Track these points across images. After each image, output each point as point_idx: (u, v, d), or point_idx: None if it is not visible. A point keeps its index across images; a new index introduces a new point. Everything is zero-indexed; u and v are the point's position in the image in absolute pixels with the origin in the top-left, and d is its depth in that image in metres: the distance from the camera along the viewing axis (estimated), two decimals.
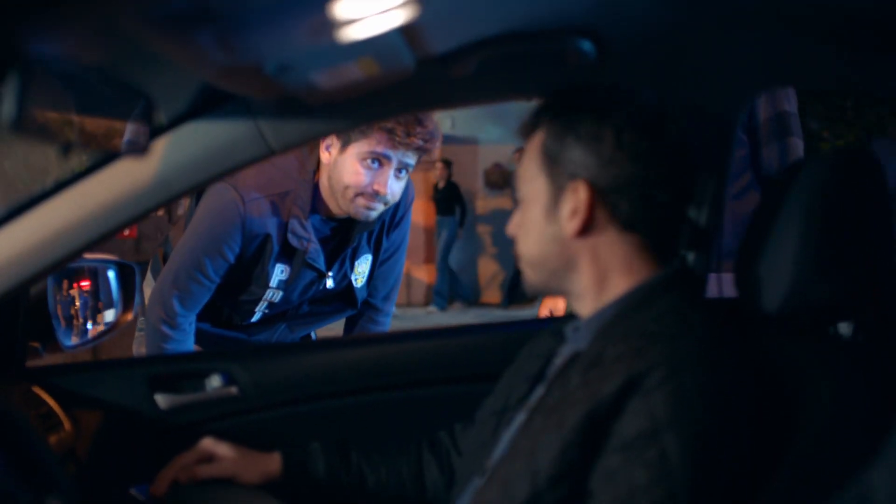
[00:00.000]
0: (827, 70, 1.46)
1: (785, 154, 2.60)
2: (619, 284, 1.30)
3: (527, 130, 1.38)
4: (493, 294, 11.45)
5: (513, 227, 1.40)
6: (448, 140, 11.55)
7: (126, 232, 6.63)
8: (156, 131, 1.37)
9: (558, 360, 1.36)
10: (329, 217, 2.32)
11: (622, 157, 1.25)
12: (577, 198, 1.28)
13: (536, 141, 1.34)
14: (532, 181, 1.34)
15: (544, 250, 1.33)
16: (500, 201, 11.38)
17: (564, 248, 1.31)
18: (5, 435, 0.85)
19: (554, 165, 1.30)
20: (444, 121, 11.36)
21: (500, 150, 11.14)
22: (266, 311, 2.42)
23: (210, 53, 1.04)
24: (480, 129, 11.56)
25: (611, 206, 1.27)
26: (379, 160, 2.15)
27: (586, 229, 1.28)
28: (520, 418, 1.34)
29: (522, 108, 1.41)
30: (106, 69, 1.11)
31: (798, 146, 2.62)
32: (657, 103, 1.30)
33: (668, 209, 1.29)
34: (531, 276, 1.37)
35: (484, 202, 11.62)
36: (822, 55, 1.40)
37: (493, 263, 11.60)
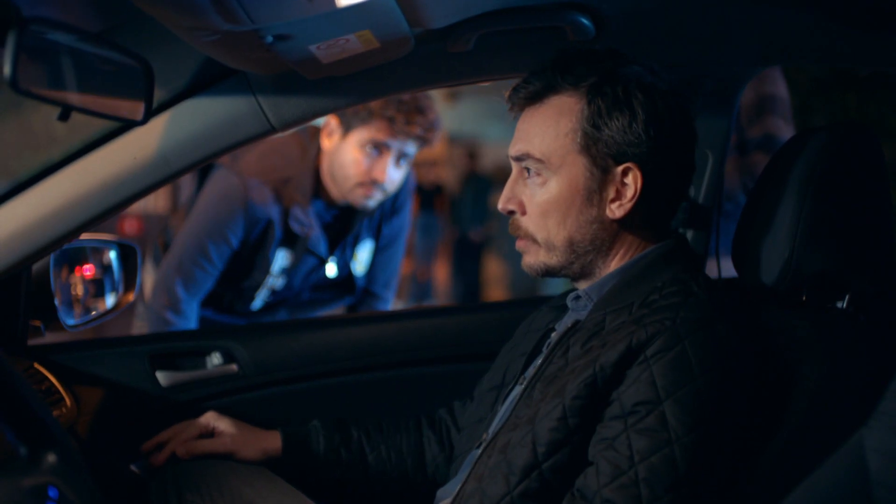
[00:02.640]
0: (824, 46, 1.46)
1: (772, 139, 2.58)
2: (626, 257, 1.30)
3: (538, 94, 1.28)
4: (495, 294, 11.43)
5: (510, 202, 1.31)
6: (454, 139, 11.57)
7: (130, 229, 6.66)
8: (156, 108, 1.38)
9: (558, 331, 1.37)
10: (330, 203, 2.33)
11: (675, 141, 1.24)
12: (626, 182, 1.24)
13: (567, 112, 1.25)
14: (564, 159, 1.25)
15: (579, 233, 1.27)
16: None
17: (602, 231, 1.27)
18: (2, 391, 0.86)
19: (595, 144, 1.23)
20: (449, 120, 11.36)
21: (504, 149, 11.13)
22: (268, 297, 2.42)
23: (211, 23, 1.05)
24: (484, 128, 11.56)
25: (655, 187, 1.25)
26: (378, 148, 2.17)
27: (634, 212, 1.26)
28: (518, 390, 1.35)
29: None
30: (106, 40, 1.12)
31: (781, 128, 2.58)
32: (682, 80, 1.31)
33: (688, 187, 1.31)
34: (548, 258, 1.29)
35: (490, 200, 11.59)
36: (820, 31, 1.40)
37: (494, 263, 11.58)
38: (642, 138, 1.22)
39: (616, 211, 1.25)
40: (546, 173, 1.26)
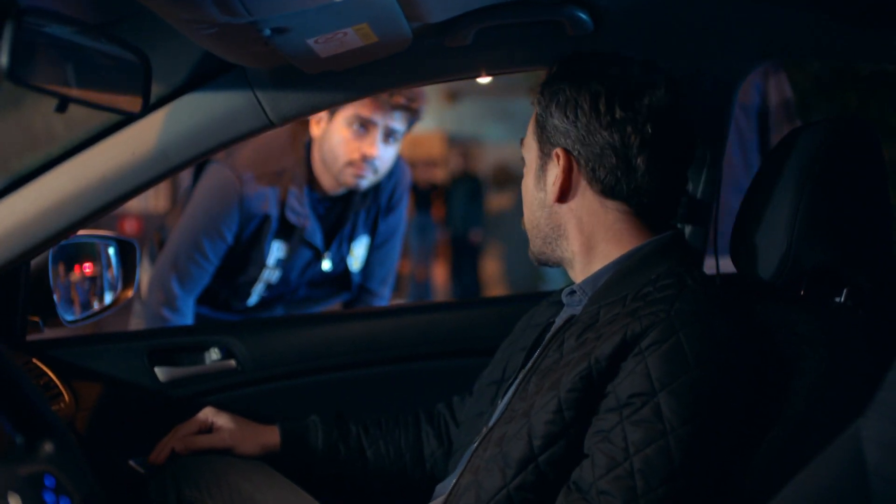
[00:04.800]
0: (823, 42, 1.46)
1: None
2: (609, 252, 1.31)
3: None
4: (495, 293, 11.43)
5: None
6: (453, 139, 11.57)
7: (130, 228, 6.67)
8: (154, 103, 1.38)
9: (554, 326, 1.37)
10: (324, 194, 2.34)
11: (598, 125, 1.27)
12: (557, 165, 1.30)
13: (536, 104, 1.36)
14: (528, 149, 1.38)
15: (535, 216, 1.36)
16: (502, 200, 11.37)
17: (551, 215, 1.34)
18: None
19: (542, 134, 1.33)
20: (448, 120, 11.36)
21: (504, 149, 11.14)
22: (264, 293, 2.43)
23: (209, 15, 1.05)
24: (485, 128, 11.55)
25: (589, 172, 1.29)
26: (365, 125, 2.19)
27: (567, 195, 1.31)
28: (516, 384, 1.35)
29: (527, 106, 1.42)
30: (104, 33, 1.12)
31: None
32: (641, 72, 1.29)
33: (651, 177, 1.28)
34: (531, 242, 1.40)
35: (487, 201, 11.60)
36: (819, 28, 1.40)
37: (496, 263, 11.58)
38: (572, 122, 1.28)
39: (553, 193, 1.32)
40: (525, 161, 1.39)
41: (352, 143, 2.20)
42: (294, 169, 2.28)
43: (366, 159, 2.21)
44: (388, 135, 2.22)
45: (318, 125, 2.26)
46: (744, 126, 2.63)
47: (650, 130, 1.26)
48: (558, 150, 1.30)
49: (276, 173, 2.27)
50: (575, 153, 1.29)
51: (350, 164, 2.22)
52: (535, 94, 1.36)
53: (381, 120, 2.19)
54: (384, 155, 2.24)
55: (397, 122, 2.22)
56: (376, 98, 2.15)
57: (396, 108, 2.18)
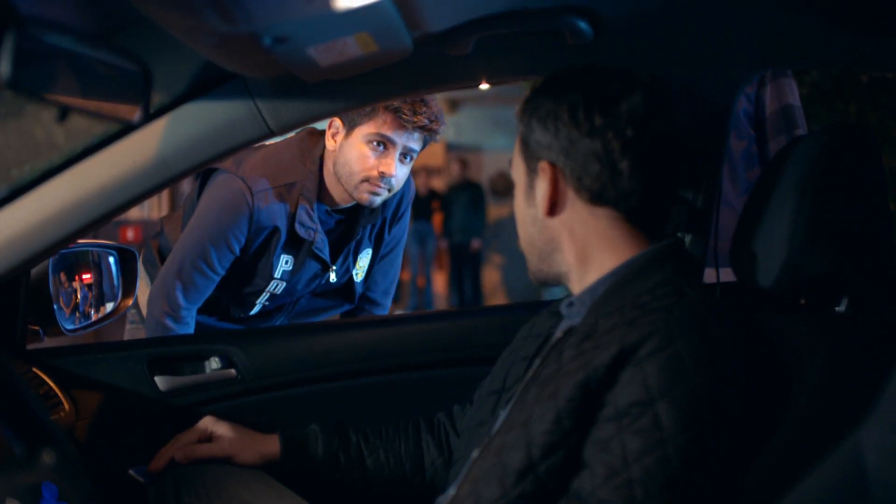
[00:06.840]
0: (822, 50, 1.46)
1: None
2: (604, 260, 1.30)
3: None
4: (495, 302, 11.42)
5: None
6: (453, 147, 11.59)
7: (130, 236, 6.67)
8: (155, 112, 1.38)
9: (554, 337, 1.37)
10: (333, 208, 2.33)
11: (578, 134, 1.26)
12: (544, 179, 1.30)
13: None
14: (516, 169, 1.37)
15: (529, 233, 1.35)
16: (502, 209, 11.39)
17: (544, 229, 1.33)
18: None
19: (527, 150, 1.33)
20: (448, 128, 11.38)
21: (504, 157, 11.15)
22: (266, 303, 2.42)
23: (208, 23, 1.05)
24: (485, 137, 11.58)
25: (575, 182, 1.28)
26: (384, 143, 2.17)
27: (557, 208, 1.30)
28: (516, 394, 1.35)
29: None
30: (105, 42, 1.12)
31: None
32: (619, 80, 1.29)
33: (636, 180, 1.27)
34: (528, 261, 1.39)
35: (487, 209, 11.62)
36: (817, 35, 1.41)
37: (496, 272, 11.59)
38: (554, 135, 1.28)
39: (543, 207, 1.31)
40: (515, 180, 1.38)
41: (369, 160, 2.19)
42: (305, 182, 2.26)
43: (383, 177, 2.20)
44: (405, 154, 2.22)
45: (334, 138, 2.25)
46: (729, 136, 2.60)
47: (631, 134, 1.25)
48: (543, 164, 1.30)
49: (286, 186, 2.25)
50: (560, 164, 1.28)
51: (366, 180, 2.21)
52: (518, 113, 1.36)
53: (401, 139, 2.18)
54: (399, 174, 2.23)
55: (415, 143, 2.21)
56: (398, 117, 2.14)
57: (418, 128, 2.17)
